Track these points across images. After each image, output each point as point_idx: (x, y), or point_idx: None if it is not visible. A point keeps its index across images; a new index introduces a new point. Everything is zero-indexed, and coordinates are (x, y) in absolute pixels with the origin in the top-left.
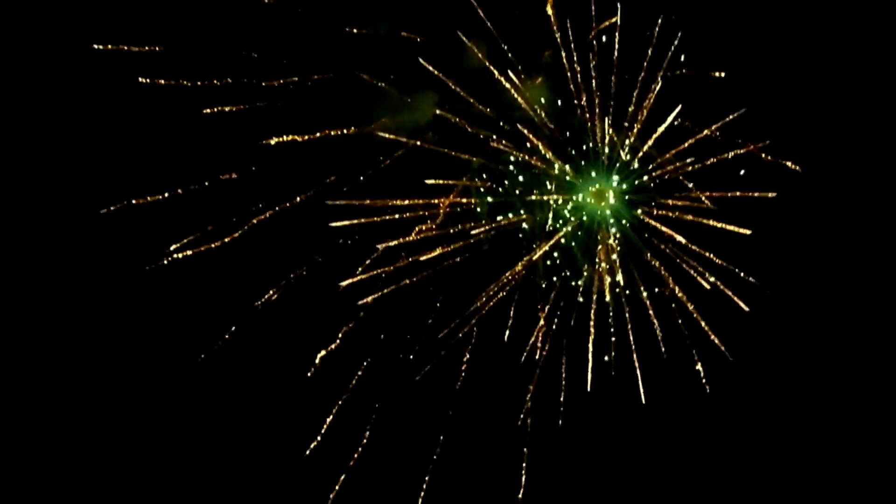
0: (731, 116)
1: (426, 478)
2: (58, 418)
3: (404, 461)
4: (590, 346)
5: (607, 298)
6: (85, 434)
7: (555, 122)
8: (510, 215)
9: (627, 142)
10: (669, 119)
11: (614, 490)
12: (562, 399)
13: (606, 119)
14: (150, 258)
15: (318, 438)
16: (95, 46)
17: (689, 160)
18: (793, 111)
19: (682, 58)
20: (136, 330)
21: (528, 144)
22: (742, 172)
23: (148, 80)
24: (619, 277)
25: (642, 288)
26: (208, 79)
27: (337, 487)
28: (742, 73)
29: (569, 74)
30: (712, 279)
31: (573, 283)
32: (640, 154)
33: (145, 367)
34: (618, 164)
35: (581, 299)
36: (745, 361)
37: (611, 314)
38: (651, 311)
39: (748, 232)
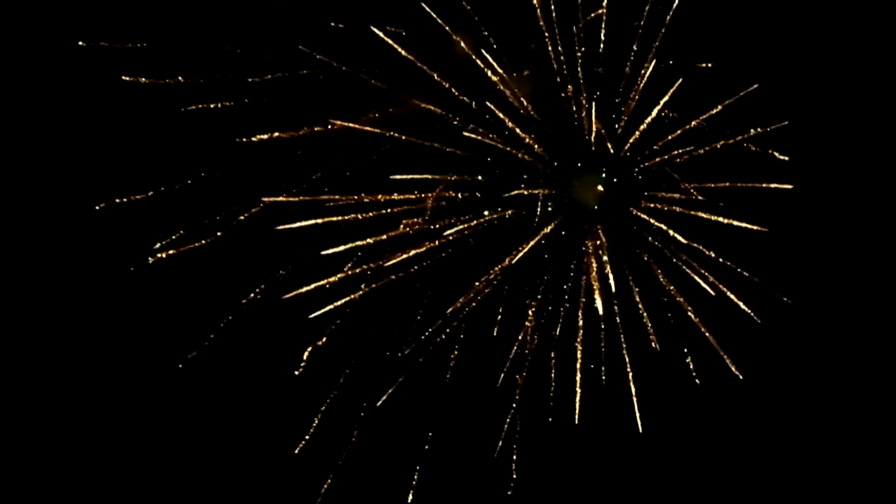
0: (742, 93)
1: (415, 476)
2: (42, 417)
3: (394, 458)
4: (578, 365)
5: (598, 304)
6: (69, 433)
7: (542, 114)
8: (487, 211)
9: (618, 126)
10: (660, 105)
11: (607, 485)
12: (552, 394)
13: (593, 110)
14: (134, 257)
15: (307, 437)
16: (81, 44)
17: (688, 148)
18: (796, 96)
19: (671, 48)
20: (121, 329)
21: (506, 132)
22: (737, 161)
23: (131, 79)
24: (611, 280)
25: (636, 294)
26: (192, 76)
27: (326, 485)
28: (735, 63)
29: (555, 66)
30: (719, 285)
31: (562, 287)
32: (631, 142)
33: (132, 366)
34: (608, 154)
35: (567, 304)
36: (757, 381)
37: (602, 322)
38: (647, 320)
39: (765, 230)
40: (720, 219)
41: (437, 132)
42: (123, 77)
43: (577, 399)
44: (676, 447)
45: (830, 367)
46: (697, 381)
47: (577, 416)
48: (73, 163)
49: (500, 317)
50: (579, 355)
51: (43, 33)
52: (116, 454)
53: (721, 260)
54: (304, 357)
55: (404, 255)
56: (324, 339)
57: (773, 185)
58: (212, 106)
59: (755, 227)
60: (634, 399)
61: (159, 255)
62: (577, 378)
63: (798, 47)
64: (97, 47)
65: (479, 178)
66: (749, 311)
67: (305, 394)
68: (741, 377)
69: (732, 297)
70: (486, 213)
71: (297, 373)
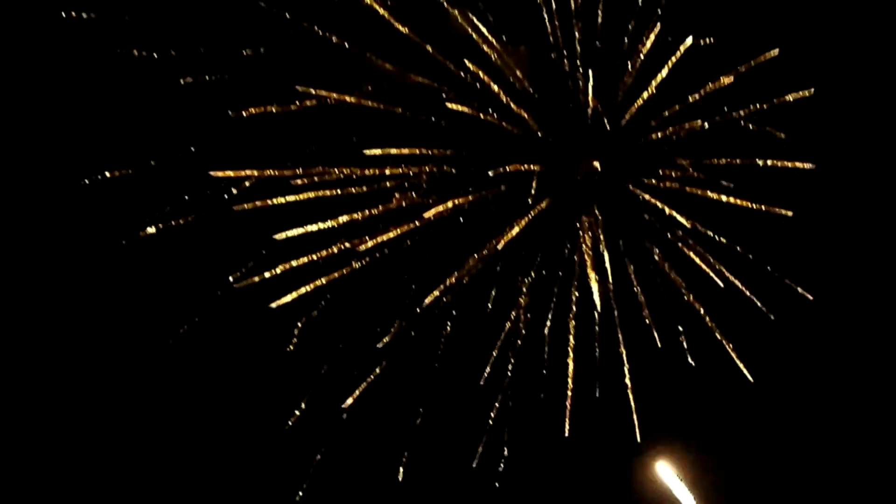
0: (763, 57)
1: (405, 452)
2: (28, 396)
3: (385, 434)
4: (570, 346)
5: (595, 296)
6: (56, 412)
7: (538, 89)
8: (471, 189)
9: (618, 98)
10: (658, 80)
11: (599, 462)
12: (544, 372)
13: (590, 85)
14: (122, 232)
15: (298, 413)
16: (63, 14)
17: (693, 123)
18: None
19: (671, 22)
20: (112, 304)
21: (502, 107)
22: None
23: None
24: (607, 262)
25: (636, 285)
26: (183, 49)
27: (317, 459)
28: (736, 37)
29: (552, 40)
30: (728, 275)
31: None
32: (628, 117)
33: (123, 343)
34: (605, 130)
35: (560, 284)
36: (769, 384)
37: (597, 317)
38: (647, 314)
39: (789, 213)
40: (733, 201)
41: (431, 107)
42: (118, 50)
43: (570, 377)
44: (675, 450)
45: (853, 372)
46: (693, 363)
47: (568, 399)
48: (61, 137)
49: (492, 294)
50: (572, 330)
51: (30, 6)
52: (106, 431)
53: (731, 245)
54: (295, 332)
55: (396, 231)
56: (315, 313)
57: (793, 164)
58: (206, 78)
59: (778, 211)
60: (630, 394)
61: (148, 230)
62: (570, 358)
63: (805, 18)
64: (85, 20)
65: (464, 153)
66: (762, 307)
67: (296, 369)
68: (752, 380)
69: (744, 289)
70: (470, 190)
71: (289, 349)
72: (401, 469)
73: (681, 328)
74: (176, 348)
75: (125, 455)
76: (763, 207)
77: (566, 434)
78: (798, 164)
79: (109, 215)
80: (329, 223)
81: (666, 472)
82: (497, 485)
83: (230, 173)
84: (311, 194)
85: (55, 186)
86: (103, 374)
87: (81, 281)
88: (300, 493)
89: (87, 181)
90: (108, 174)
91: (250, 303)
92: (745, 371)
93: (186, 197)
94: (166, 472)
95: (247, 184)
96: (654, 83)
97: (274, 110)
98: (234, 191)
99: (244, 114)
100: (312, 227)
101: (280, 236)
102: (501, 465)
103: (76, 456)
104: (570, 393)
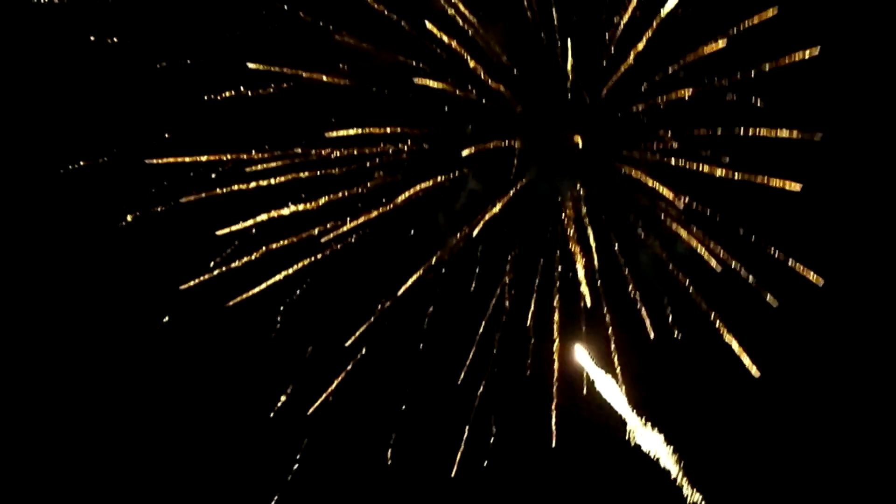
0: (760, 17)
1: (393, 434)
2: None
3: (371, 417)
4: (555, 337)
5: (580, 274)
6: (45, 399)
7: (517, 64)
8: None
9: (600, 65)
10: (637, 51)
11: (584, 444)
12: (530, 349)
13: (569, 58)
14: (104, 218)
15: (283, 398)
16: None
17: (681, 92)
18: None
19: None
20: (95, 291)
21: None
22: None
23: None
24: (592, 241)
25: (626, 270)
26: (158, 34)
27: (303, 446)
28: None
29: (529, 14)
30: (726, 259)
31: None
32: (607, 89)
33: (108, 328)
34: (585, 104)
35: (541, 269)
36: (775, 378)
37: (585, 303)
38: (639, 302)
39: (797, 188)
40: (731, 175)
41: (407, 85)
42: (91, 38)
43: (555, 354)
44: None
45: (866, 366)
46: (679, 336)
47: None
48: (41, 125)
49: (477, 270)
50: (557, 307)
51: None
52: (95, 419)
53: (730, 223)
54: (278, 319)
55: (375, 212)
56: (297, 293)
57: (799, 135)
58: (186, 61)
59: (784, 185)
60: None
61: (128, 218)
62: (555, 335)
63: None
64: (62, 5)
65: (443, 131)
66: (765, 293)
67: (279, 354)
68: (757, 374)
69: (745, 273)
70: (448, 168)
71: (272, 336)
72: (389, 452)
73: (666, 299)
74: (157, 338)
75: (115, 443)
76: (767, 181)
77: (552, 441)
78: (805, 135)
79: (89, 204)
80: (307, 205)
81: (582, 355)
82: (485, 464)
83: (183, 160)
84: (290, 176)
85: (26, 176)
86: (75, 367)
87: (61, 269)
88: (288, 477)
89: (62, 171)
90: (82, 163)
91: (230, 290)
92: (749, 362)
93: (165, 183)
94: (164, 467)
95: (222, 169)
96: (633, 52)
97: (249, 94)
98: (214, 175)
99: (218, 98)
100: (286, 211)
101: (223, 232)
102: (490, 443)
103: (37, 446)
104: (555, 375)
